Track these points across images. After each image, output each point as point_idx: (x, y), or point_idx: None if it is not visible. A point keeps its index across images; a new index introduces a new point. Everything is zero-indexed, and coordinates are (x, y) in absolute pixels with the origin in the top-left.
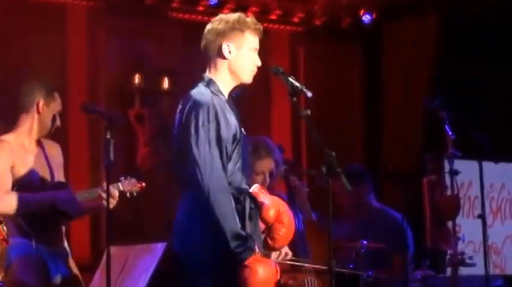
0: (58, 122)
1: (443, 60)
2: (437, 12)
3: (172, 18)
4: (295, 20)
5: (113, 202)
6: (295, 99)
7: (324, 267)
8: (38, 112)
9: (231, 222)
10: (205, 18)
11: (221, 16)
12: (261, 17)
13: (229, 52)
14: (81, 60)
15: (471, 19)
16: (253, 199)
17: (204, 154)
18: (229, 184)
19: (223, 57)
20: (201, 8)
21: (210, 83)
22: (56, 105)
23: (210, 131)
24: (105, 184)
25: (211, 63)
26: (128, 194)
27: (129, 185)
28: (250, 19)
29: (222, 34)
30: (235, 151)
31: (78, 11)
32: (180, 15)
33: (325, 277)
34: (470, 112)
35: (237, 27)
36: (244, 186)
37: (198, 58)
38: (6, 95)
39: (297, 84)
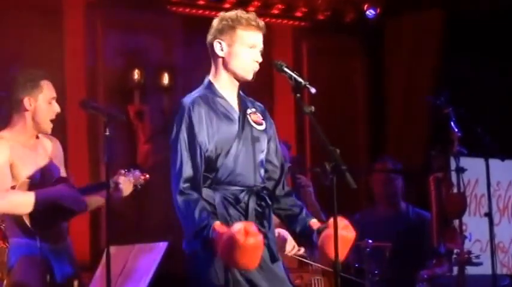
0: (56, 108)
1: (448, 56)
2: (441, 6)
3: (172, 12)
4: (298, 14)
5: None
6: (298, 95)
7: (329, 269)
8: (26, 110)
9: (188, 222)
10: (206, 12)
11: (221, 14)
12: (263, 11)
13: (221, 49)
14: (79, 55)
15: (476, 13)
16: (262, 197)
17: (172, 157)
18: (227, 182)
19: (218, 56)
20: (201, 2)
21: (207, 85)
22: (47, 94)
23: (181, 133)
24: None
25: (212, 63)
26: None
27: (133, 178)
28: (247, 16)
29: (216, 32)
30: (230, 150)
31: (76, 5)
32: (181, 9)
33: (332, 277)
34: (477, 109)
35: (229, 24)
36: (253, 183)
37: (199, 53)
38: (3, 91)
39: (300, 80)
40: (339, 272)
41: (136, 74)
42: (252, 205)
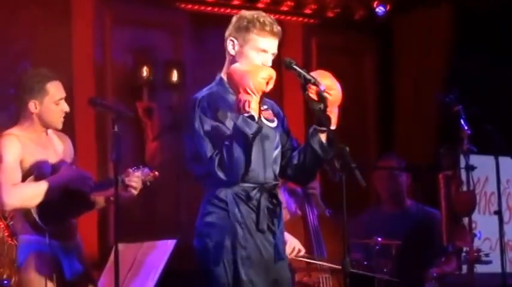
0: (65, 108)
1: (458, 53)
2: (451, 3)
3: (181, 9)
4: (308, 11)
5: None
6: (307, 93)
7: (337, 267)
8: (32, 112)
9: (230, 148)
10: (215, 9)
11: (242, 12)
12: (272, 8)
13: (233, 48)
14: (87, 52)
15: (486, 10)
16: (274, 194)
17: (195, 149)
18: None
19: (229, 53)
20: None
21: (218, 81)
22: (53, 96)
23: (195, 123)
24: (129, 171)
25: (226, 60)
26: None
27: (142, 175)
28: (263, 19)
29: (232, 29)
30: None
31: (84, 2)
32: (189, 6)
33: (340, 275)
34: (487, 106)
35: (244, 25)
36: (264, 180)
37: (207, 50)
38: (11, 87)
39: (309, 77)
40: (348, 271)
41: (145, 71)
42: (264, 202)
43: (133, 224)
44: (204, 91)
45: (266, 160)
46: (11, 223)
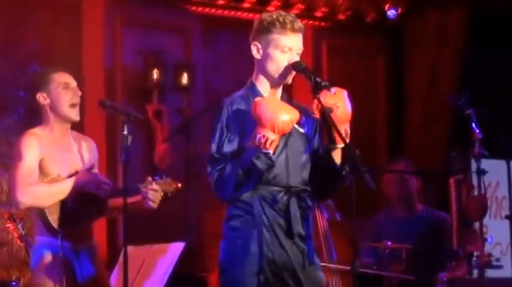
0: (76, 92)
1: (469, 55)
2: (461, 5)
3: (191, 12)
4: (319, 14)
5: (155, 202)
6: (318, 96)
7: (346, 268)
8: (42, 105)
9: (233, 170)
10: (226, 12)
11: (263, 14)
12: (283, 11)
13: (258, 52)
14: (98, 54)
15: (498, 13)
16: (303, 198)
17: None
18: (265, 182)
19: (255, 58)
20: (220, 2)
21: (249, 85)
22: (58, 82)
23: (219, 123)
24: (149, 180)
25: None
26: (162, 194)
27: (164, 185)
28: (283, 18)
29: (253, 33)
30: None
31: (95, 4)
32: (200, 8)
33: (350, 278)
34: (498, 110)
35: (264, 27)
36: (292, 184)
37: (218, 53)
38: (21, 89)
39: (320, 80)
40: (357, 273)
41: (155, 74)
42: (294, 206)
43: (142, 226)
44: (235, 95)
45: (292, 165)
46: (20, 224)
